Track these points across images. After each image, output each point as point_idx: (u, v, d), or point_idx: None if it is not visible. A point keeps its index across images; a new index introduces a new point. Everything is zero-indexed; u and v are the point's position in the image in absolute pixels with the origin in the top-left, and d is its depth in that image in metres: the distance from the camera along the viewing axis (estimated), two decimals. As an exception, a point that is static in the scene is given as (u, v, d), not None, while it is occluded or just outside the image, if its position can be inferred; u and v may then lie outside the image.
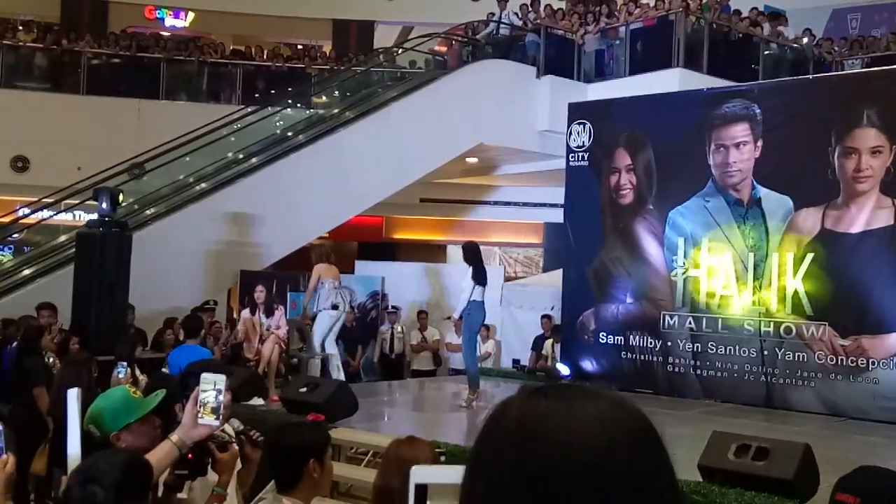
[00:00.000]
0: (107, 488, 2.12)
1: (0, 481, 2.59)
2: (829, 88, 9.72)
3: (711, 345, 9.70)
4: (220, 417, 2.70)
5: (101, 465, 2.22)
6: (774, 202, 9.39)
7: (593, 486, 0.83)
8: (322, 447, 2.97)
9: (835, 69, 13.85)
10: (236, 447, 3.32)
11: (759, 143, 9.53)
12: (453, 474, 1.03)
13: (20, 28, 16.61)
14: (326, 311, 9.71)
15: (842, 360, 8.77)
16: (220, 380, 2.69)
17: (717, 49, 13.64)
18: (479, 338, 12.79)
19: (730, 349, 9.55)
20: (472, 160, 15.11)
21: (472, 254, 8.60)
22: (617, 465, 0.84)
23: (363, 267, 14.18)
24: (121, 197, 9.81)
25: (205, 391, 2.68)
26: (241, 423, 4.05)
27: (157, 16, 21.87)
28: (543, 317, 12.76)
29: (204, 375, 2.72)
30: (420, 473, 1.05)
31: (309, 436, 3.02)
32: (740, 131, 9.66)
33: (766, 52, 14.07)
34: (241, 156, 13.26)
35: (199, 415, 2.68)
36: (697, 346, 9.80)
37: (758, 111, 9.57)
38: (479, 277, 8.42)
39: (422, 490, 1.03)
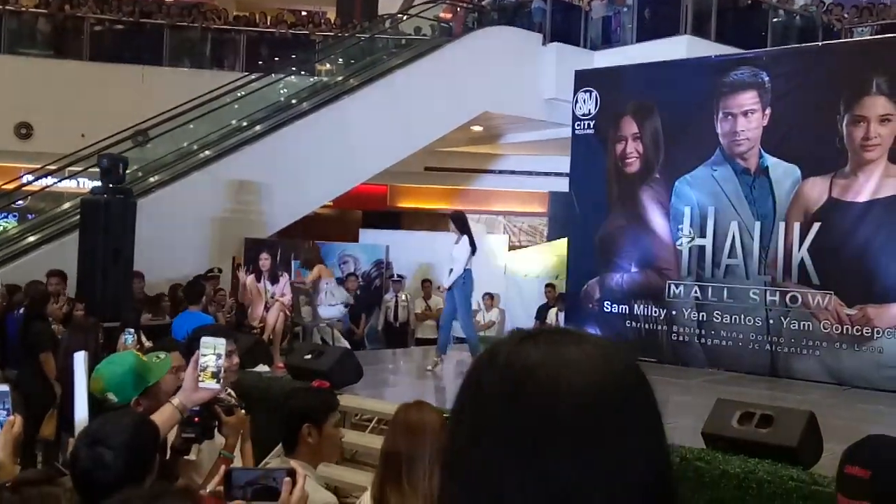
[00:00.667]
0: (114, 449, 2.12)
1: (8, 442, 2.60)
2: (839, 56, 9.61)
3: (717, 314, 9.69)
4: (221, 381, 2.71)
5: (108, 427, 2.22)
6: (782, 171, 9.33)
7: (583, 430, 0.83)
8: (319, 413, 2.99)
9: (844, 37, 13.70)
10: (243, 411, 3.34)
11: (768, 112, 9.45)
12: None
13: (22, -7, 16.48)
14: (336, 306, 9.95)
15: (847, 329, 8.76)
16: (220, 343, 2.70)
17: (726, 16, 13.49)
18: (481, 305, 12.87)
19: (735, 318, 9.54)
20: (477, 128, 15.03)
21: (463, 223, 8.62)
22: (606, 410, 0.84)
23: (367, 235, 14.19)
24: (120, 164, 9.77)
25: (205, 355, 2.68)
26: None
27: (160, -19, 21.63)
28: (547, 285, 12.77)
29: (204, 339, 2.73)
30: None
31: (306, 401, 3.05)
32: (748, 99, 9.58)
33: (775, 20, 13.91)
34: (245, 123, 13.20)
35: (200, 378, 2.69)
36: (703, 315, 9.79)
37: (766, 79, 9.48)
38: (473, 246, 8.45)
39: None
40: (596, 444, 0.83)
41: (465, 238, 8.45)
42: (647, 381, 0.89)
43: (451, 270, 8.66)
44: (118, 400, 3.06)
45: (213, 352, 2.68)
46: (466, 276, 8.53)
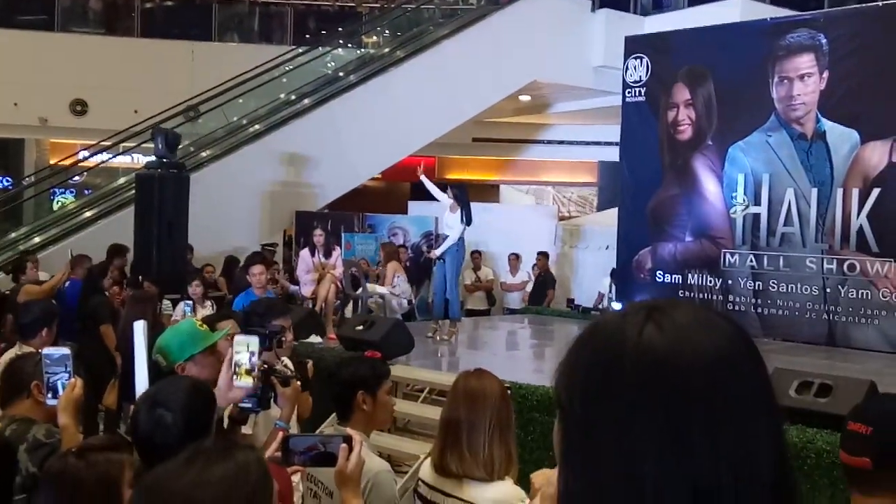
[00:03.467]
0: (174, 412, 2.16)
1: (69, 402, 2.67)
2: (900, 16, 9.28)
3: (772, 283, 9.52)
4: (255, 379, 2.70)
5: (167, 389, 2.26)
6: (839, 136, 9.09)
7: (716, 403, 0.85)
8: (373, 381, 3.01)
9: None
10: (298, 383, 3.38)
11: (825, 75, 9.19)
12: None
13: (74, -28, 16.72)
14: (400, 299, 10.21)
15: (908, 297, 8.55)
16: (253, 342, 2.68)
17: (781, -23, 13.09)
18: (530, 275, 12.87)
19: (791, 287, 9.37)
20: (525, 98, 14.90)
21: (462, 196, 8.66)
22: (738, 381, 0.87)
23: (416, 207, 14.18)
24: (173, 139, 9.92)
25: (238, 353, 2.67)
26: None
27: (208, -43, 21.78)
28: (539, 254, 12.73)
29: (237, 338, 2.73)
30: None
31: (360, 369, 3.07)
32: (805, 62, 9.32)
33: (833, -20, 13.48)
34: (293, 97, 13.26)
35: (235, 377, 2.68)
36: (758, 285, 9.63)
37: (824, 41, 9.21)
38: (469, 218, 8.51)
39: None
40: (732, 418, 0.85)
41: (460, 210, 8.50)
42: (756, 345, 0.91)
43: (445, 238, 8.76)
44: (165, 363, 3.10)
45: (246, 350, 2.68)
46: (459, 244, 8.61)
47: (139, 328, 2.75)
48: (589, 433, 0.87)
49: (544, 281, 12.61)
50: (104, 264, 8.31)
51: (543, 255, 12.82)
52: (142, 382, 2.63)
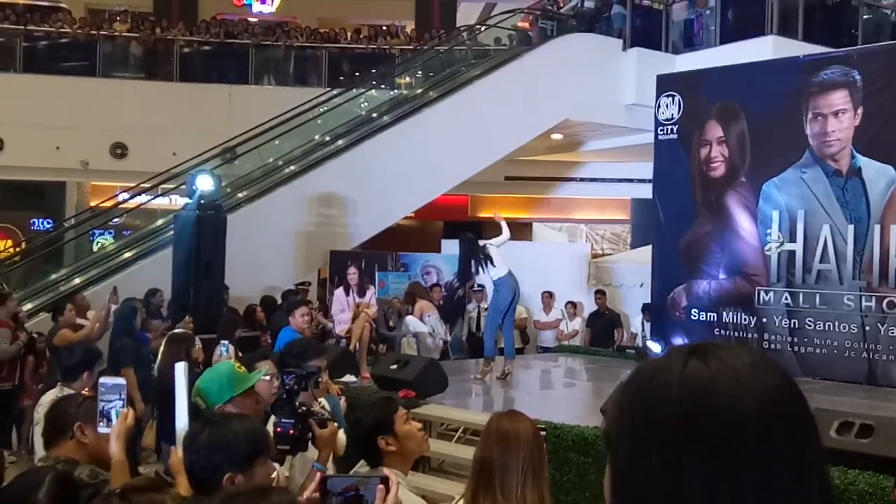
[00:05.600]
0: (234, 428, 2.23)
1: (123, 432, 2.73)
2: (935, 51, 9.24)
3: (809, 321, 9.40)
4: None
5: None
6: (875, 171, 9.01)
7: (763, 450, 0.85)
8: (384, 422, 3.00)
9: (940, 31, 13.15)
10: (336, 424, 3.40)
11: (860, 111, 9.14)
12: None
13: (116, 19, 17.19)
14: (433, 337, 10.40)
15: (950, 335, 8.39)
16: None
17: (813, 14, 13.10)
18: (564, 314, 12.81)
19: (829, 325, 9.24)
20: (557, 136, 14.96)
21: (467, 246, 8.76)
22: (785, 419, 0.88)
23: (449, 246, 14.22)
24: (202, 182, 10.08)
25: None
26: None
27: (245, 2, 22.32)
28: (597, 292, 12.68)
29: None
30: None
31: (368, 418, 3.05)
32: (839, 99, 9.28)
33: (866, 17, 13.45)
34: (328, 138, 13.45)
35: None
36: (794, 323, 9.51)
37: (858, 77, 9.18)
38: (462, 273, 8.92)
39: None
40: (782, 455, 0.86)
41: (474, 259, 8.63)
42: (799, 387, 0.93)
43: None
44: (205, 406, 3.16)
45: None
46: (499, 287, 8.67)
47: (180, 369, 2.81)
48: (637, 468, 0.88)
49: (611, 319, 12.46)
50: (133, 307, 8.39)
51: (602, 294, 12.71)
52: (182, 424, 2.68)
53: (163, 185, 12.84)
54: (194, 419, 2.71)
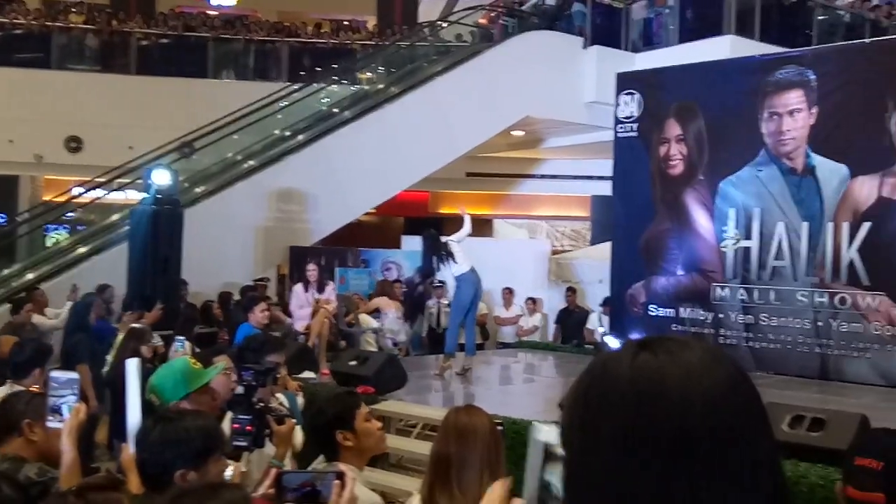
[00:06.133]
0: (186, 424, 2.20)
1: (74, 428, 2.68)
2: (886, 52, 9.43)
3: (764, 316, 9.56)
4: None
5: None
6: (829, 170, 9.18)
7: (713, 442, 0.85)
8: (346, 416, 2.99)
9: (892, 33, 13.42)
10: (294, 421, 3.38)
11: (814, 110, 9.31)
12: None
13: (72, 10, 16.87)
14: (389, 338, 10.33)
15: (899, 330, 8.58)
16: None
17: (770, 15, 13.28)
18: (524, 310, 12.87)
19: (783, 321, 9.41)
20: (518, 133, 15.01)
21: (429, 241, 8.80)
22: (731, 425, 0.87)
23: (410, 242, 14.20)
24: (162, 175, 9.96)
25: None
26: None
27: (204, -5, 22.01)
28: (568, 289, 12.73)
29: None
30: (544, 431, 1.05)
31: (329, 410, 3.04)
32: (794, 98, 9.44)
33: (821, 17, 13.69)
34: (288, 133, 13.35)
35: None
36: (750, 318, 9.67)
37: (812, 77, 9.34)
38: (424, 268, 8.89)
39: (547, 448, 1.03)
40: (730, 449, 0.85)
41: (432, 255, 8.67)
42: (752, 381, 0.93)
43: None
44: (159, 402, 3.12)
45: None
46: (461, 284, 8.68)
47: (132, 366, 2.76)
48: (588, 460, 0.89)
49: (580, 317, 12.42)
50: (88, 302, 8.25)
51: (572, 291, 12.73)
52: (134, 420, 2.64)
53: (119, 180, 12.64)
54: (147, 416, 2.67)
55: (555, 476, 1.03)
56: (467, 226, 8.97)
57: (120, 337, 7.46)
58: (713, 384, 0.87)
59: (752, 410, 0.89)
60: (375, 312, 10.63)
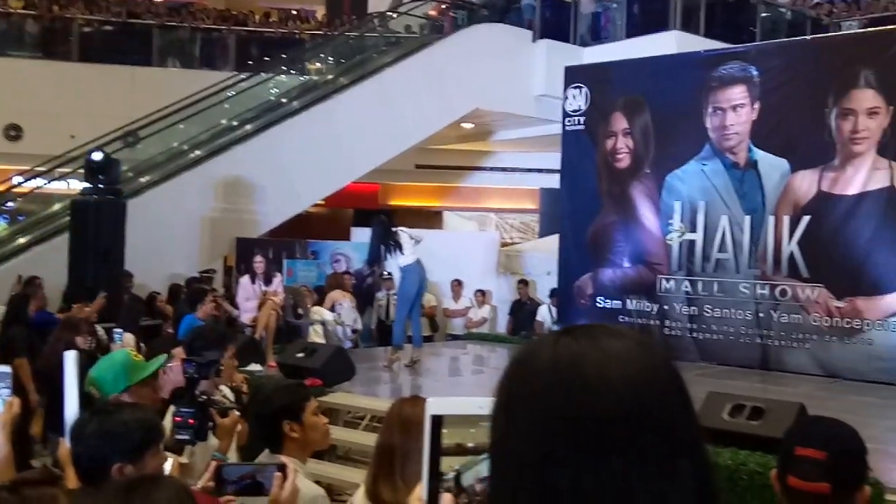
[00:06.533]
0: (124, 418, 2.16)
1: (7, 422, 2.62)
2: (827, 49, 9.65)
3: (707, 308, 9.73)
4: None
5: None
6: (771, 165, 9.37)
7: (628, 429, 0.85)
8: (295, 407, 2.98)
9: (832, 31, 13.75)
10: (237, 413, 3.35)
11: (757, 106, 9.48)
12: (469, 405, 1.04)
13: (10, -5, 16.42)
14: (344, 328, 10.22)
15: (837, 321, 8.81)
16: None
17: (715, 11, 13.53)
18: (473, 302, 12.93)
19: (725, 312, 9.58)
20: (467, 126, 15.04)
21: (379, 228, 8.81)
22: (649, 409, 0.86)
23: (359, 233, 14.15)
24: (98, 155, 9.77)
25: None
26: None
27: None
28: (519, 282, 12.82)
29: None
30: (436, 405, 1.05)
31: (277, 400, 3.04)
32: (737, 93, 9.61)
33: (764, 14, 13.96)
34: (235, 123, 13.18)
35: None
36: (694, 310, 9.83)
37: (755, 73, 9.52)
38: (370, 255, 8.92)
39: (437, 421, 1.03)
40: (648, 442, 0.85)
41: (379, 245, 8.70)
42: (681, 377, 0.92)
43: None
44: (100, 395, 3.07)
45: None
46: (405, 276, 8.69)
47: (70, 358, 2.71)
48: (509, 443, 0.89)
49: (532, 308, 12.40)
50: (25, 294, 8.06)
51: (524, 284, 12.78)
52: (72, 414, 2.59)
53: (60, 169, 12.36)
54: (85, 409, 2.62)
55: (467, 467, 1.03)
56: (422, 239, 8.92)
57: None
58: (634, 370, 0.87)
59: (672, 398, 0.89)
60: (331, 306, 10.61)
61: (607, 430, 0.84)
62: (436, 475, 1.03)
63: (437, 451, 1.03)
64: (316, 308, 10.50)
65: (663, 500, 0.84)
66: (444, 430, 1.05)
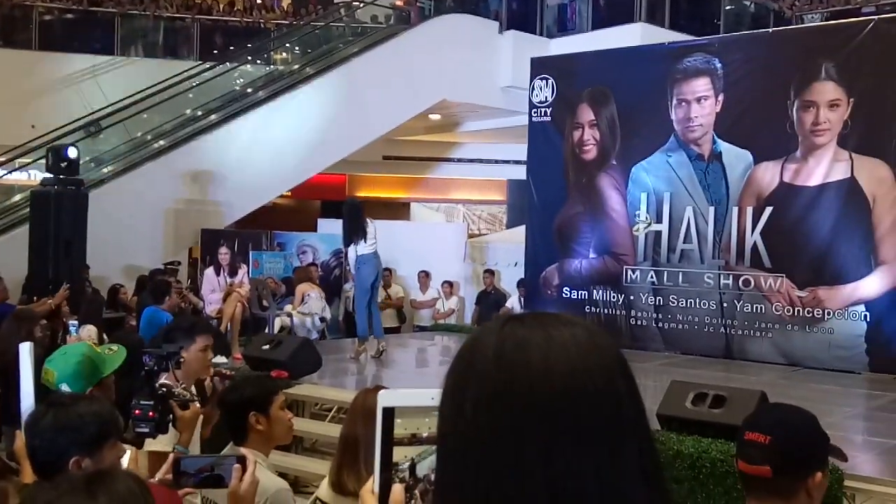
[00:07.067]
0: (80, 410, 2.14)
1: None
2: (789, 42, 9.76)
3: (672, 298, 9.82)
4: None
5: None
6: (734, 156, 9.46)
7: (571, 412, 0.85)
8: (262, 399, 2.98)
9: (795, 23, 13.91)
10: (198, 405, 3.32)
11: (720, 98, 9.57)
12: (420, 397, 1.04)
13: (-33, -19, 16.07)
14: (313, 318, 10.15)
15: (798, 311, 8.93)
16: None
17: (679, 4, 13.64)
18: (440, 293, 12.92)
19: (690, 302, 9.68)
20: (434, 117, 15.02)
21: (350, 211, 8.73)
22: (593, 391, 0.87)
23: (326, 225, 14.10)
24: (73, 151, 9.62)
25: None
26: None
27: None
28: (485, 272, 12.86)
29: None
30: (387, 397, 1.05)
31: (246, 391, 3.03)
32: (701, 86, 9.69)
33: (728, 7, 14.08)
34: (199, 113, 13.04)
35: None
36: (659, 300, 9.92)
37: (719, 65, 9.60)
38: (344, 237, 8.65)
39: (389, 413, 1.03)
40: (591, 424, 0.85)
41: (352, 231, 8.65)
42: (627, 365, 0.92)
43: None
44: (72, 391, 3.03)
45: None
46: (361, 264, 8.64)
47: (24, 350, 2.66)
48: (455, 429, 0.89)
49: (496, 298, 12.47)
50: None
51: (490, 273, 12.79)
52: (28, 407, 2.54)
53: (20, 160, 12.16)
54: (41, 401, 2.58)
55: (422, 457, 1.03)
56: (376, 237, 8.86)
57: None
58: (579, 354, 0.88)
59: (617, 381, 0.89)
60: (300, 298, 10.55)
61: (552, 412, 0.85)
62: (388, 467, 1.03)
63: (390, 443, 1.03)
64: (293, 312, 10.43)
65: (608, 479, 0.85)
66: (399, 421, 1.05)
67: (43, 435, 2.22)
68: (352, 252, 8.65)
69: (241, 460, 2.18)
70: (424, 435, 1.04)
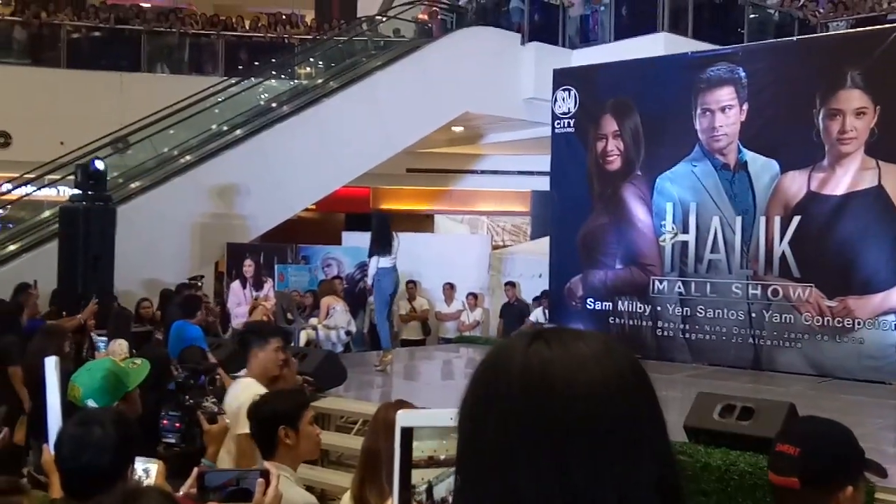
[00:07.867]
0: (105, 426, 2.14)
1: None
2: (814, 50, 9.68)
3: (700, 308, 9.73)
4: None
5: (97, 411, 2.23)
6: (761, 166, 9.38)
7: (594, 432, 0.86)
8: (293, 414, 2.98)
9: (819, 31, 13.79)
10: (226, 419, 3.34)
11: (745, 107, 9.50)
12: (439, 417, 1.03)
13: (-2, 1, 16.38)
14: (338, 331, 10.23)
15: (828, 321, 8.81)
16: None
17: (702, 13, 13.56)
18: (465, 305, 12.91)
19: (718, 312, 9.59)
20: (457, 129, 15.04)
21: (379, 224, 8.87)
22: (616, 411, 0.87)
23: (350, 238, 14.14)
24: (100, 164, 9.74)
25: None
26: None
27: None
28: (506, 283, 12.82)
29: None
30: (405, 417, 1.04)
31: (278, 405, 3.03)
32: (726, 95, 9.62)
33: (752, 16, 14.00)
34: (225, 128, 13.15)
35: None
36: (686, 311, 9.83)
37: (743, 74, 9.53)
38: (372, 248, 8.75)
39: (407, 433, 1.02)
40: (610, 439, 0.86)
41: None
42: (649, 381, 0.93)
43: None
44: (98, 406, 3.05)
45: None
46: (382, 276, 8.72)
47: (50, 365, 2.68)
48: (476, 445, 0.89)
49: (520, 310, 12.42)
50: (18, 302, 8.00)
51: (511, 285, 12.77)
52: (55, 421, 2.56)
53: (49, 176, 12.31)
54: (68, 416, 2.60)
55: (439, 479, 1.03)
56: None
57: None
58: (600, 376, 0.88)
59: (639, 401, 0.89)
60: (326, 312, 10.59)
61: (572, 436, 0.85)
62: (407, 487, 1.02)
63: (408, 463, 1.02)
64: (320, 328, 10.47)
65: (627, 494, 0.85)
66: (417, 443, 1.05)
67: (71, 450, 2.23)
68: (373, 263, 8.73)
69: (265, 474, 2.18)
70: (442, 458, 1.03)
